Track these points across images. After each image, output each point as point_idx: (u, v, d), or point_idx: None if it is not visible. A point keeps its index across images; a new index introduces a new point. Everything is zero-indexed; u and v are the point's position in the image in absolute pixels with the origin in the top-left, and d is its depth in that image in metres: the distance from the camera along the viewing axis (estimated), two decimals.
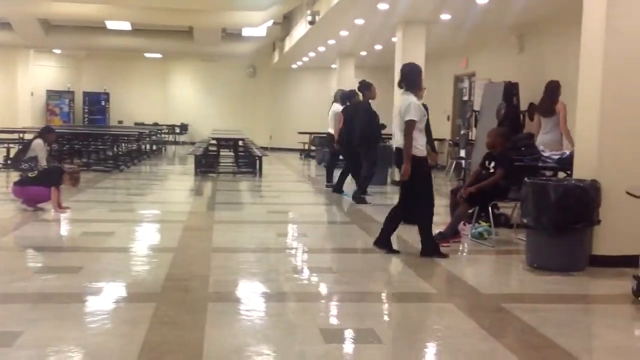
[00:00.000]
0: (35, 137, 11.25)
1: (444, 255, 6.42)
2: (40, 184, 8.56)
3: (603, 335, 4.45)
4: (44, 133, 11.38)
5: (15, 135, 15.92)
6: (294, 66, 23.84)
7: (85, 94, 25.62)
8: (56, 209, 8.56)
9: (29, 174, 8.93)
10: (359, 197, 10.24)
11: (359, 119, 10.25)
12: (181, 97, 26.08)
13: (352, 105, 10.87)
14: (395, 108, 6.54)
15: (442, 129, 16.90)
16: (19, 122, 21.84)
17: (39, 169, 8.93)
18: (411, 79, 6.48)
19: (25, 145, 11.57)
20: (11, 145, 15.27)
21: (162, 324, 4.28)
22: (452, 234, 7.05)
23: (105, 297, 5.00)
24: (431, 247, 6.44)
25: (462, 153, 13.99)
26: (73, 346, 3.88)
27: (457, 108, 17.30)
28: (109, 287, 5.27)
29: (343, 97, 11.57)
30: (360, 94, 10.48)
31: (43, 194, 8.56)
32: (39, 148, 10.74)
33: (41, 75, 24.82)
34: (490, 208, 7.19)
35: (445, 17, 12.03)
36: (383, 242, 6.59)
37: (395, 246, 6.64)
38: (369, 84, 10.39)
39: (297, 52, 19.78)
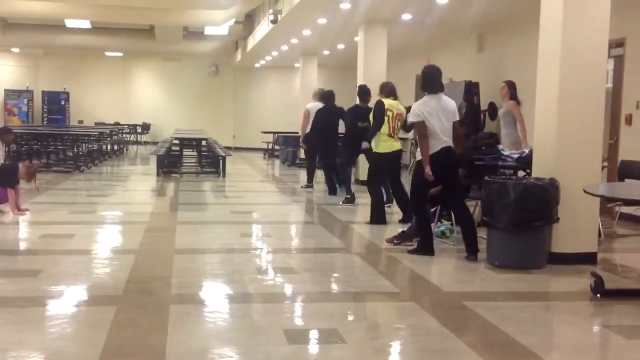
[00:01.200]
0: None
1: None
2: None
3: (563, 332, 4.53)
4: (1, 134, 11.12)
5: None
6: (257, 65, 23.78)
7: (45, 93, 25.15)
8: (14, 210, 8.40)
9: None
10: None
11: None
12: (143, 97, 25.79)
13: (329, 106, 10.98)
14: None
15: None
16: None
17: None
18: (428, 80, 6.57)
19: None
20: None
21: (123, 327, 4.23)
22: (415, 233, 7.09)
23: (65, 301, 4.92)
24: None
25: None
26: (32, 351, 3.82)
27: None
28: (69, 290, 5.19)
29: (320, 95, 11.64)
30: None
31: (3, 195, 8.39)
32: None
33: None
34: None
35: (406, 16, 12.13)
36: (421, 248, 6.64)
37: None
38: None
39: (259, 51, 19.73)
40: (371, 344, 4.17)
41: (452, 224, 7.33)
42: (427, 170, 6.30)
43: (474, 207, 7.98)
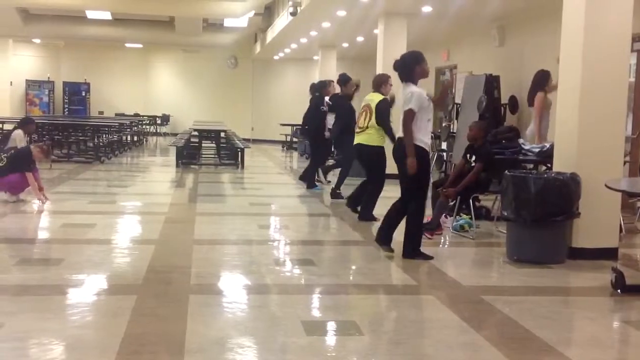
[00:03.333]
0: (15, 128, 11.13)
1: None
2: (13, 171, 8.46)
3: (582, 327, 4.51)
4: (24, 124, 11.25)
5: None
6: (275, 57, 23.78)
7: (65, 84, 25.35)
8: (37, 193, 8.47)
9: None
10: (334, 192, 10.07)
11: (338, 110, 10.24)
12: (162, 88, 25.90)
13: (320, 96, 11.00)
14: (399, 100, 6.44)
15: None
16: None
17: (6, 156, 8.79)
18: (407, 69, 6.32)
19: (5, 136, 11.45)
20: None
21: (143, 316, 4.27)
22: (434, 226, 7.08)
23: (86, 289, 4.98)
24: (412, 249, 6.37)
25: (444, 145, 14.05)
26: (54, 338, 3.86)
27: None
28: (89, 279, 5.25)
29: (314, 87, 11.67)
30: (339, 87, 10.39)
31: (20, 180, 8.46)
32: (19, 139, 10.62)
33: (20, 65, 24.53)
34: (471, 201, 7.23)
35: (426, 9, 12.06)
36: (383, 239, 6.33)
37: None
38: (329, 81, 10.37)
39: (279, 43, 19.73)
40: (389, 336, 4.17)
41: (470, 218, 7.31)
42: (413, 160, 5.92)
43: (493, 201, 7.95)
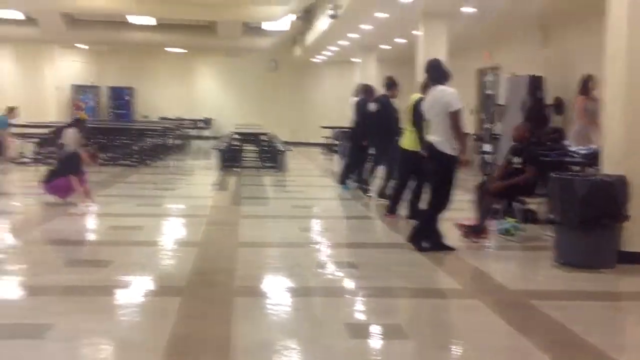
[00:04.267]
0: (68, 126, 11.38)
1: (450, 248, 6.40)
2: (63, 175, 8.64)
3: (634, 333, 4.41)
4: (77, 123, 11.53)
5: (43, 130, 16.07)
6: (315, 60, 23.83)
7: (110, 88, 25.81)
8: (83, 197, 8.64)
9: (49, 168, 9.00)
10: (362, 188, 10.56)
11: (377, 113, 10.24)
12: (204, 92, 26.18)
13: (365, 99, 10.98)
14: (427, 102, 6.46)
15: (466, 123, 16.75)
16: (44, 117, 22.07)
17: (57, 160, 8.98)
18: (441, 71, 6.44)
19: (57, 130, 11.74)
20: (39, 139, 15.43)
21: (188, 318, 4.32)
22: (480, 230, 6.99)
23: (133, 291, 5.06)
24: (435, 240, 6.41)
25: (487, 147, 13.89)
26: (103, 338, 3.94)
27: (481, 102, 17.18)
28: (136, 280, 5.33)
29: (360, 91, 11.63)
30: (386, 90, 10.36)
31: (68, 184, 8.63)
32: (72, 137, 10.80)
33: (66, 70, 25.08)
34: (517, 203, 7.13)
35: (467, 10, 11.95)
36: (416, 239, 6.50)
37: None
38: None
39: (318, 46, 19.76)
40: (434, 340, 4.14)
41: (517, 222, 7.20)
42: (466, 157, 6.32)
43: (540, 204, 7.82)
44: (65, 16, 20.18)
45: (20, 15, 20.53)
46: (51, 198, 8.78)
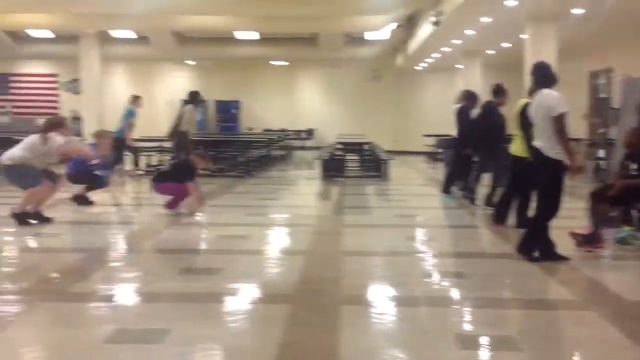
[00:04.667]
0: (186, 103, 11.89)
1: (563, 258, 6.18)
2: (174, 180, 8.98)
3: None
4: (194, 97, 12.02)
5: (156, 144, 16.81)
6: (418, 68, 23.68)
7: (217, 102, 26.68)
8: (196, 204, 8.95)
9: (162, 169, 9.32)
10: (467, 197, 10.41)
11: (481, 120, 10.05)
12: (307, 103, 26.58)
13: (468, 106, 10.78)
14: (533, 107, 6.31)
15: (577, 128, 16.15)
16: (157, 131, 23.12)
17: (171, 164, 9.34)
18: (550, 73, 6.27)
19: (179, 116, 12.33)
20: (152, 153, 16.15)
21: (296, 325, 4.39)
22: (595, 239, 6.70)
23: (242, 298, 5.19)
24: (547, 249, 6.21)
25: (601, 153, 13.30)
26: (215, 344, 4.07)
27: (594, 106, 16.49)
28: (245, 288, 5.47)
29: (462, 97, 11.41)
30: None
31: (179, 190, 8.96)
32: (190, 112, 11.20)
33: (176, 85, 26.17)
34: (635, 211, 6.79)
35: (576, 11, 11.53)
36: (525, 249, 6.35)
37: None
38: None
39: (421, 53, 19.64)
40: (548, 353, 3.99)
41: (634, 230, 6.85)
42: (575, 162, 6.08)
43: None
44: (175, 34, 21.11)
45: (132, 35, 21.65)
46: (161, 209, 9.15)
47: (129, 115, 14.53)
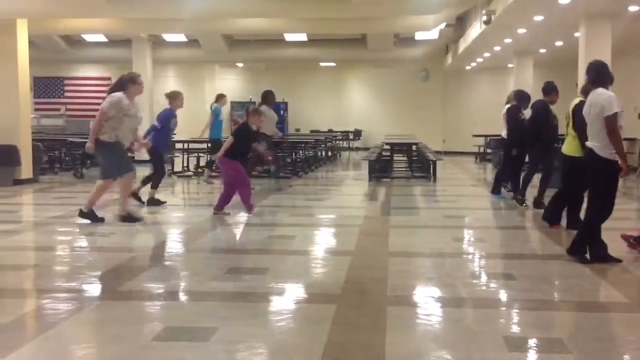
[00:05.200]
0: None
1: (615, 260, 6.05)
2: (230, 157, 8.97)
3: None
4: (266, 97, 12.19)
5: (204, 145, 17.03)
6: (467, 67, 23.41)
7: None
8: (249, 205, 9.08)
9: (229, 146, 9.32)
10: (517, 197, 10.24)
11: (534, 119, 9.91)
12: (354, 104, 26.56)
13: (519, 106, 10.64)
14: (586, 106, 6.19)
15: (633, 127, 15.73)
16: (206, 133, 23.42)
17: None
18: (605, 73, 6.15)
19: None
20: (201, 154, 16.38)
21: (343, 325, 4.39)
22: None
23: (289, 298, 5.22)
24: (599, 251, 6.09)
25: None
26: (262, 343, 4.10)
27: None
28: (292, 288, 5.50)
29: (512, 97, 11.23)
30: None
31: (231, 167, 8.97)
32: (265, 112, 11.31)
33: (225, 87, 26.41)
34: None
35: (633, 8, 11.23)
36: (577, 250, 6.22)
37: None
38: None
39: (471, 53, 19.41)
40: (599, 357, 3.90)
41: None
42: (625, 165, 5.95)
43: None
44: (225, 37, 21.36)
45: (182, 38, 22.00)
46: (207, 210, 9.26)
47: (216, 114, 14.76)
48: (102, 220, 8.40)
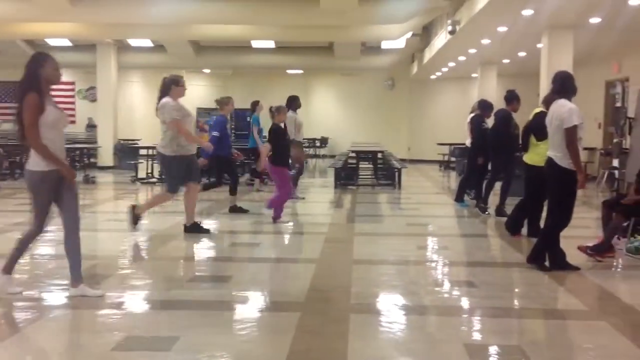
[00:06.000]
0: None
1: (574, 268, 6.17)
2: (273, 163, 9.12)
3: None
4: (291, 103, 12.10)
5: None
6: (433, 77, 23.65)
7: (233, 110, 26.74)
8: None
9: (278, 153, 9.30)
10: (480, 206, 10.41)
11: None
12: (321, 111, 26.60)
13: (482, 115, 10.84)
14: (548, 116, 6.30)
15: (593, 138, 16.06)
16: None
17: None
18: (569, 84, 6.26)
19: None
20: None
21: (306, 333, 4.39)
22: (605, 248, 6.66)
23: (253, 306, 5.20)
24: (558, 259, 6.21)
25: (615, 163, 13.21)
26: (224, 352, 4.07)
27: (609, 115, 16.39)
28: (256, 295, 5.48)
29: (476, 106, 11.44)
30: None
31: (276, 172, 9.11)
32: (291, 118, 11.26)
33: (192, 94, 26.25)
34: None
35: (594, 20, 11.48)
36: (536, 258, 6.32)
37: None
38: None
39: (436, 62, 19.62)
40: None
41: None
42: (583, 177, 6.04)
43: None
44: (192, 43, 21.25)
45: (149, 43, 21.82)
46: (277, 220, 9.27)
47: (255, 122, 14.58)
48: (207, 231, 8.31)
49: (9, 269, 5.23)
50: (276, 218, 9.21)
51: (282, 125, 9.59)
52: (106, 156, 20.88)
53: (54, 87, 5.19)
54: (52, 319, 4.79)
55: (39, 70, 5.00)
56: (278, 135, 9.28)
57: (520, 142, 8.25)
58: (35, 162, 5.00)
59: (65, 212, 5.09)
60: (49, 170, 4.96)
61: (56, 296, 5.40)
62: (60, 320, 4.79)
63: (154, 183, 15.42)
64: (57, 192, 5.02)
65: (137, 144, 21.23)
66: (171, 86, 8.01)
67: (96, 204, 12.05)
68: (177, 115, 7.80)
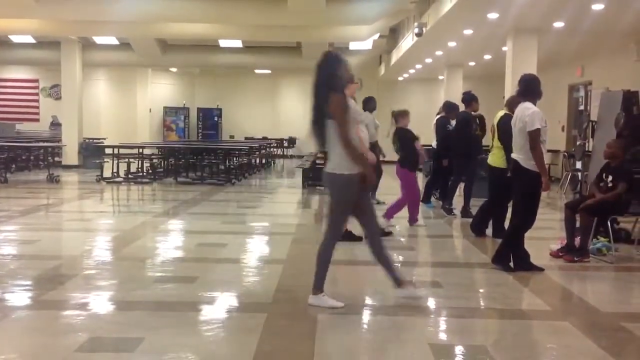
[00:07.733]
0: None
1: (537, 268, 6.27)
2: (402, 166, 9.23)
3: None
4: (367, 104, 11.95)
5: (135, 151, 16.74)
6: (400, 78, 23.80)
7: (200, 109, 26.62)
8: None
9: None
10: (445, 207, 10.51)
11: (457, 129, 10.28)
12: (289, 111, 26.59)
13: (446, 117, 10.97)
14: (513, 119, 6.38)
15: (557, 140, 16.32)
16: (138, 138, 23.02)
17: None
18: (534, 87, 6.33)
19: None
20: (131, 160, 16.07)
21: (273, 334, 4.38)
22: (583, 253, 6.75)
23: (218, 307, 5.17)
24: (522, 260, 6.31)
25: (578, 165, 13.44)
26: (190, 353, 4.04)
27: (572, 118, 16.67)
28: (222, 297, 5.45)
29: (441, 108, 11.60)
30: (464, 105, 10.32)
31: (403, 175, 9.19)
32: (369, 122, 11.13)
33: (158, 92, 26.08)
34: (609, 223, 6.86)
35: (558, 24, 11.67)
36: (501, 259, 6.40)
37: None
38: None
39: (403, 64, 19.75)
40: None
41: (609, 241, 6.92)
42: (547, 180, 6.12)
43: (633, 223, 7.49)
44: (159, 41, 21.04)
45: (114, 41, 21.55)
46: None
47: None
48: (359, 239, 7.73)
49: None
50: (412, 221, 9.24)
51: (408, 128, 9.58)
52: (71, 155, 20.55)
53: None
54: (14, 319, 4.70)
55: None
56: (407, 138, 9.43)
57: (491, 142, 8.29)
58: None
59: None
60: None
61: (19, 297, 5.31)
62: (22, 321, 4.70)
63: (119, 183, 15.24)
64: None
65: (102, 142, 20.97)
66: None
67: (60, 203, 11.86)
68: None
